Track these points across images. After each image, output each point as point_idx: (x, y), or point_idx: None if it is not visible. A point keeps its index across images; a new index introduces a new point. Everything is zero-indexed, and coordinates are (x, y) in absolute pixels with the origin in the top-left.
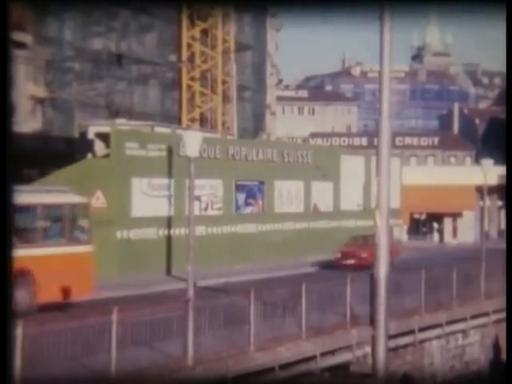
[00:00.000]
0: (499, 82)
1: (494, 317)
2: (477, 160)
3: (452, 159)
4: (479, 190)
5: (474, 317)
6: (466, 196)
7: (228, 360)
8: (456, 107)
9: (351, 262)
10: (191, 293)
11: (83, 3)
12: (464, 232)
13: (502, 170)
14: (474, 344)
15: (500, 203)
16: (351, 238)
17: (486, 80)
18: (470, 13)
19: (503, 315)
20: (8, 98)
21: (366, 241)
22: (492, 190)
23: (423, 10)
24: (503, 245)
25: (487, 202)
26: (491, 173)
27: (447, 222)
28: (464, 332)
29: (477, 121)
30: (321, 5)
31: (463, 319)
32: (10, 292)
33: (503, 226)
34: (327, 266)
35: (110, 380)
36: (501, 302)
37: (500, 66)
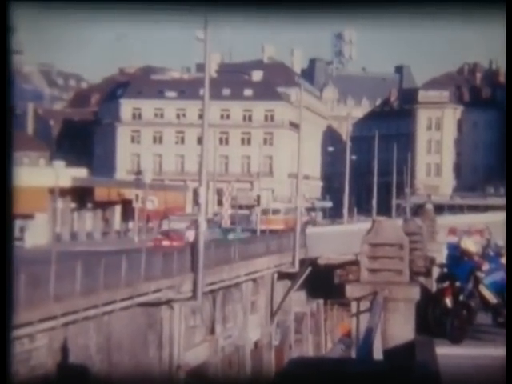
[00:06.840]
0: (74, 83)
1: (62, 320)
2: (52, 161)
3: (25, 160)
4: (52, 191)
5: (42, 320)
6: (39, 197)
7: None
8: (31, 107)
9: None
10: None
11: None
12: (37, 234)
13: (79, 172)
14: (40, 348)
15: (73, 205)
16: None
17: (61, 81)
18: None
19: (74, 317)
20: (8, 98)
21: None
22: (65, 192)
23: None
24: (75, 247)
25: (60, 204)
26: (64, 175)
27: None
28: (31, 336)
29: (51, 122)
30: None
31: (30, 323)
32: (10, 292)
33: (76, 228)
34: None
35: None
36: (72, 304)
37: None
